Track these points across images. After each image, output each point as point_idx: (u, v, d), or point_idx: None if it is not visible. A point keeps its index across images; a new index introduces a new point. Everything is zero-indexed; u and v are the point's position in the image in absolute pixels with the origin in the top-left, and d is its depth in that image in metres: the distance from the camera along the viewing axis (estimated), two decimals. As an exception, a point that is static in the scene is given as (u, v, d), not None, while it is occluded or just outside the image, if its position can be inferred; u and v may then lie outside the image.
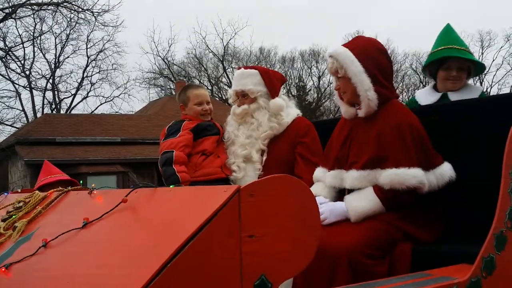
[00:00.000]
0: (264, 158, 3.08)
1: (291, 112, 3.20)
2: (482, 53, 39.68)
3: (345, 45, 2.58)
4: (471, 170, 2.45)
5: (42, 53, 30.57)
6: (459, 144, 2.54)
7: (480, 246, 1.97)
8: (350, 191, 2.49)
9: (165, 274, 1.24)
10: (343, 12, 56.93)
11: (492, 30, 46.02)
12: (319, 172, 2.74)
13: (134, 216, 1.64)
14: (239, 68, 3.33)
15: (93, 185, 2.10)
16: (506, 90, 37.02)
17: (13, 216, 2.26)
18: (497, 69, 39.37)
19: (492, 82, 39.90)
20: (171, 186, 1.65)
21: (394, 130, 2.40)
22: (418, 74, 38.31)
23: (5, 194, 2.79)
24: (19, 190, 2.93)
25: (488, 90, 38.74)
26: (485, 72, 37.85)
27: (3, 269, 1.79)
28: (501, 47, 42.77)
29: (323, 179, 2.68)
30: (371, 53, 2.52)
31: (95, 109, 31.99)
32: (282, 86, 3.31)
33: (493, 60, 42.84)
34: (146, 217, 1.60)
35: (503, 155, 2.09)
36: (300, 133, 3.10)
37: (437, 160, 2.44)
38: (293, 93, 38.09)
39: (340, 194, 2.60)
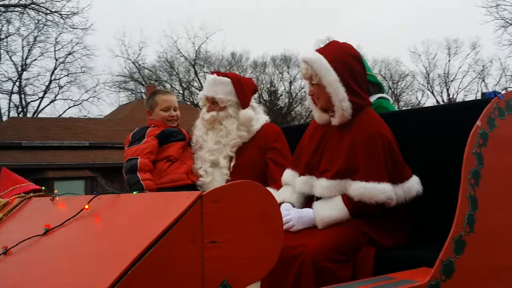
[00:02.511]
0: (232, 164, 3.08)
1: (260, 118, 3.21)
2: (449, 60, 40.70)
3: (319, 51, 2.55)
4: (431, 177, 2.50)
5: (9, 55, 29.95)
6: (419, 152, 2.58)
7: (439, 252, 2.02)
8: (318, 197, 2.50)
9: (126, 281, 1.23)
10: (315, 17, 57.56)
11: (459, 38, 47.27)
12: (289, 175, 2.73)
13: (96, 223, 1.63)
14: (212, 72, 3.30)
15: (55, 191, 2.07)
16: (472, 97, 38.07)
17: (-27, 223, 2.21)
18: (463, 76, 40.55)
19: (458, 88, 41.05)
20: (134, 192, 1.64)
21: (366, 141, 2.40)
22: (386, 80, 38.99)
23: (-34, 200, 2.71)
24: (-20, 197, 2.85)
25: (455, 96, 39.78)
26: (452, 79, 38.95)
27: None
28: (467, 55, 44.02)
29: (293, 183, 2.68)
30: (345, 60, 2.50)
31: (63, 113, 31.54)
32: (253, 95, 3.32)
33: (460, 67, 44.11)
34: (109, 224, 1.59)
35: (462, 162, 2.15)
36: (270, 140, 3.12)
37: (406, 173, 2.46)
38: (264, 98, 38.24)
39: (308, 199, 2.61)
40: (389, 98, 3.75)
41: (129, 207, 1.60)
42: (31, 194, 2.20)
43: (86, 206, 1.64)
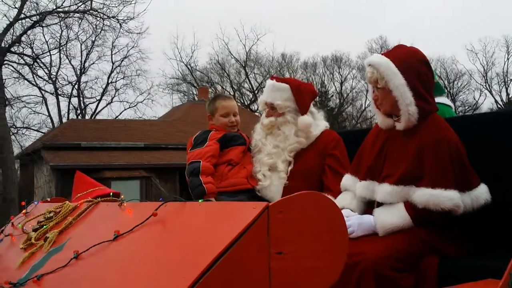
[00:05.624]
0: (290, 168, 3.09)
1: (319, 124, 3.20)
2: (508, 58, 39.02)
3: (385, 55, 2.52)
4: (498, 184, 2.42)
5: (68, 60, 31.04)
6: (483, 158, 2.49)
7: (507, 262, 1.95)
8: (379, 203, 2.46)
9: (197, 290, 1.26)
10: (364, 16, 56.67)
11: (518, 36, 45.10)
12: (349, 181, 2.70)
13: (164, 230, 1.67)
14: (272, 78, 3.31)
15: (122, 196, 2.14)
16: (532, 96, 36.38)
17: (44, 226, 2.31)
18: (524, 76, 38.67)
19: (518, 88, 39.19)
20: (199, 201, 1.67)
21: (433, 147, 2.34)
22: (442, 80, 37.85)
23: (35, 203, 2.84)
24: (49, 199, 2.97)
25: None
26: (511, 77, 37.32)
27: (35, 280, 1.84)
28: (528, 53, 41.86)
29: (353, 188, 2.64)
30: (412, 64, 2.45)
31: (119, 115, 32.39)
32: (313, 100, 3.31)
33: (520, 66, 42.12)
34: (177, 231, 1.63)
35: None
36: (330, 146, 3.10)
37: (474, 181, 2.39)
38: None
39: (368, 204, 2.58)
40: (451, 104, 3.61)
41: (196, 215, 1.63)
42: (99, 199, 2.28)
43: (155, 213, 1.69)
